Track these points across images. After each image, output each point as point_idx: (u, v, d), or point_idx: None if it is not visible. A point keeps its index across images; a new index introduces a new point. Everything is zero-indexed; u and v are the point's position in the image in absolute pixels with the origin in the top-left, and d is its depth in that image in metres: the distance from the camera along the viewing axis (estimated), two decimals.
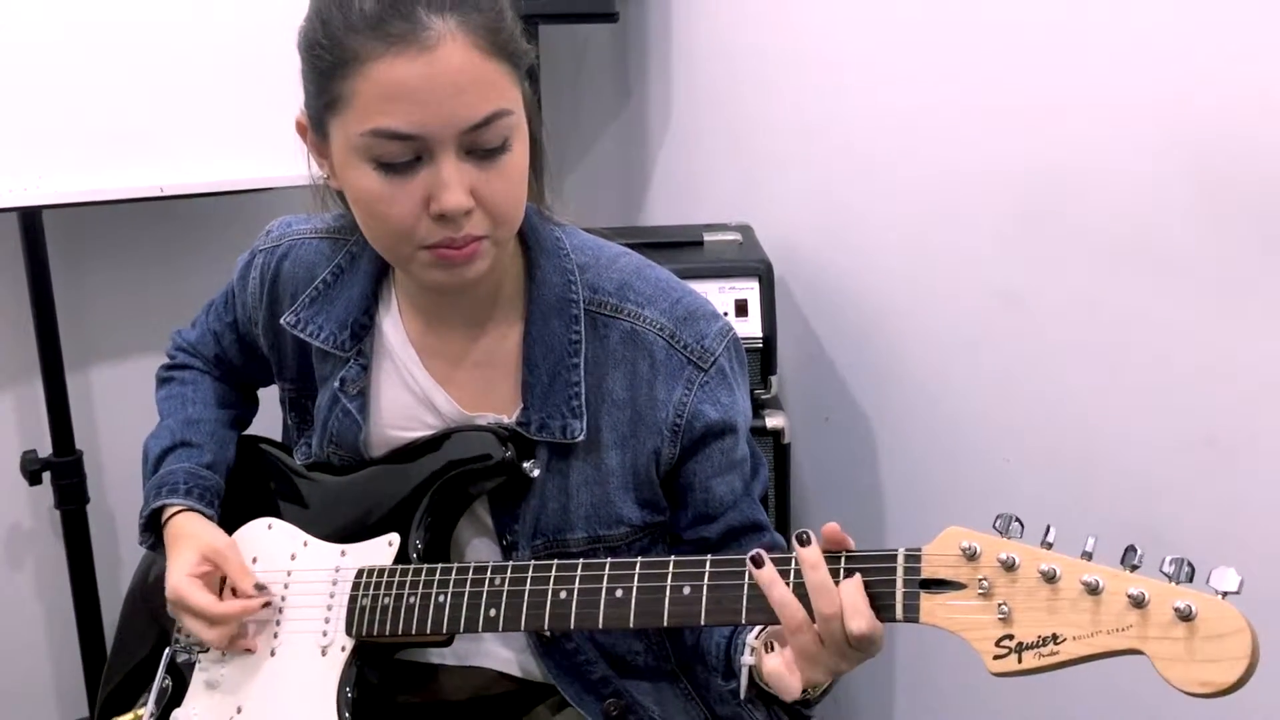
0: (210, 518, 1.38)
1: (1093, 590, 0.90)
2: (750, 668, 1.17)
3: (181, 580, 1.30)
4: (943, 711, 2.00)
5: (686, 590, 1.11)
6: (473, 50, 1.11)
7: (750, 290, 1.89)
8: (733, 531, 1.34)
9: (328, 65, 1.13)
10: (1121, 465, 1.63)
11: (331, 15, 1.13)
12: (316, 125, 1.20)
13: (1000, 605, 0.94)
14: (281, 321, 1.37)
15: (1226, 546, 1.49)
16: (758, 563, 1.08)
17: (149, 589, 1.46)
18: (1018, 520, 0.97)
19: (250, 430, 1.55)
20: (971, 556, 0.97)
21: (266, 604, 1.31)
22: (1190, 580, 0.88)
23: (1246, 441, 1.49)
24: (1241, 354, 1.48)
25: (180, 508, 1.38)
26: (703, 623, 1.11)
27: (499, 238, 1.20)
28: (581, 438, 1.27)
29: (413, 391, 1.34)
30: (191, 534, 1.35)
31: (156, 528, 1.39)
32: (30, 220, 2.03)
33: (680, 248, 2.01)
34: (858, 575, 1.04)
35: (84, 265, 2.22)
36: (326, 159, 1.22)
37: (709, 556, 1.12)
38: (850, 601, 1.03)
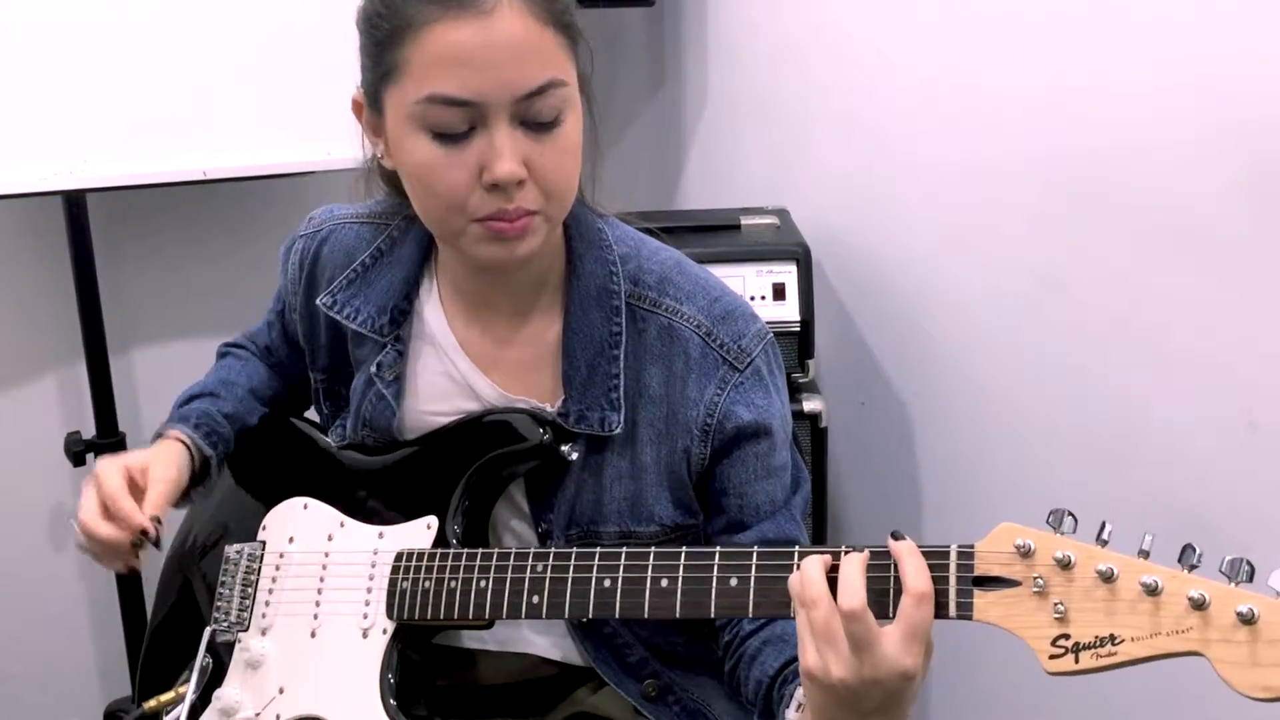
0: (209, 458, 1.40)
1: (1152, 591, 0.89)
2: None
3: (116, 462, 1.32)
4: (979, 711, 2.00)
5: (734, 582, 1.10)
6: (529, 17, 1.12)
7: (788, 274, 1.89)
8: (766, 544, 1.27)
9: (384, 34, 1.15)
10: (1162, 449, 1.62)
11: None
12: (372, 99, 1.21)
13: (1056, 604, 0.93)
14: (318, 302, 1.38)
15: (1269, 530, 1.48)
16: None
17: (183, 564, 1.47)
18: (1071, 515, 0.96)
19: None
20: (1026, 554, 0.96)
21: (147, 533, 1.29)
22: (1250, 580, 0.87)
23: None
24: None
25: (181, 436, 1.40)
26: (751, 614, 1.11)
27: (550, 214, 1.20)
28: (619, 430, 1.27)
29: (453, 379, 1.34)
30: (159, 453, 1.37)
31: None
32: (74, 203, 2.05)
33: (717, 231, 2.01)
34: (858, 555, 1.02)
35: (127, 248, 2.23)
36: (381, 136, 1.23)
37: (755, 549, 1.11)
38: (844, 578, 1.00)
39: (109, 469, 1.32)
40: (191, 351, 2.24)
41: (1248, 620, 0.85)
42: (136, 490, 1.32)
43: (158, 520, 1.30)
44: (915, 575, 0.99)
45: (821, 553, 1.05)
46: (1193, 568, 0.90)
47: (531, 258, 1.22)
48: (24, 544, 2.26)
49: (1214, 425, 1.55)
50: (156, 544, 1.32)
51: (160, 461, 1.36)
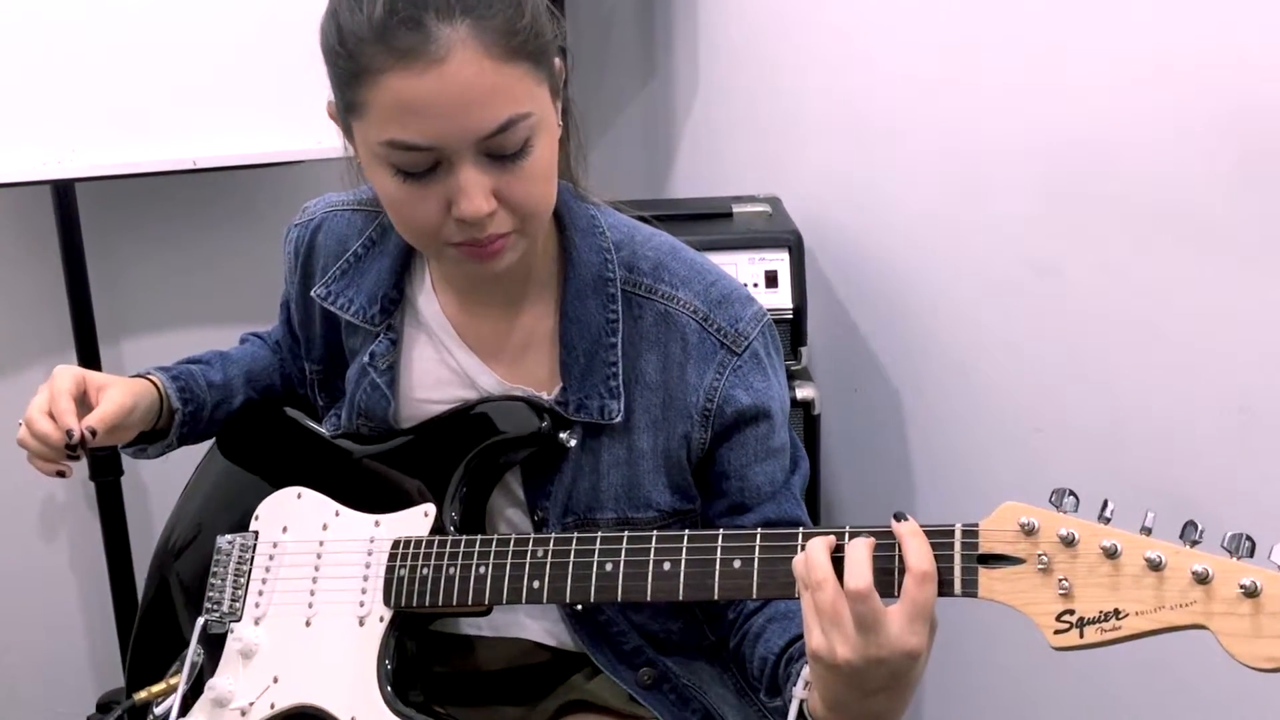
0: (175, 410, 1.40)
1: (1155, 566, 0.90)
2: (802, 701, 1.12)
3: (75, 370, 1.32)
4: (970, 704, 2.01)
5: (737, 564, 1.10)
6: (484, 59, 1.09)
7: (780, 261, 1.90)
8: (769, 525, 1.28)
9: (343, 73, 1.13)
10: (1154, 434, 1.62)
11: (344, 19, 1.11)
12: (342, 121, 1.20)
13: (1061, 580, 0.94)
14: (312, 294, 1.37)
15: (1264, 516, 1.49)
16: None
17: (172, 554, 1.46)
18: (1073, 494, 0.97)
19: None
20: (1030, 532, 0.96)
21: (58, 445, 1.29)
22: (1251, 555, 0.89)
23: None
24: (1277, 322, 1.47)
25: (155, 379, 1.40)
26: (755, 595, 1.11)
27: (528, 230, 1.20)
28: (619, 419, 1.27)
29: (450, 367, 1.33)
30: (128, 380, 1.37)
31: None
32: (64, 193, 2.04)
33: (710, 219, 2.01)
34: (864, 539, 1.02)
35: (117, 238, 2.22)
36: (355, 150, 1.22)
37: (759, 530, 1.11)
38: (851, 559, 1.00)
39: (64, 372, 1.32)
40: (182, 341, 2.21)
41: (1251, 593, 0.86)
42: (88, 404, 1.32)
43: (92, 432, 1.28)
44: (917, 555, 0.99)
45: (825, 533, 1.05)
46: (1194, 543, 0.91)
47: (513, 267, 1.22)
48: (15, 536, 2.25)
49: (1207, 412, 1.55)
50: (82, 449, 1.29)
51: (120, 387, 1.34)
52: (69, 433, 1.27)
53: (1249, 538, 0.89)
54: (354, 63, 1.10)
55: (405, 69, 1.08)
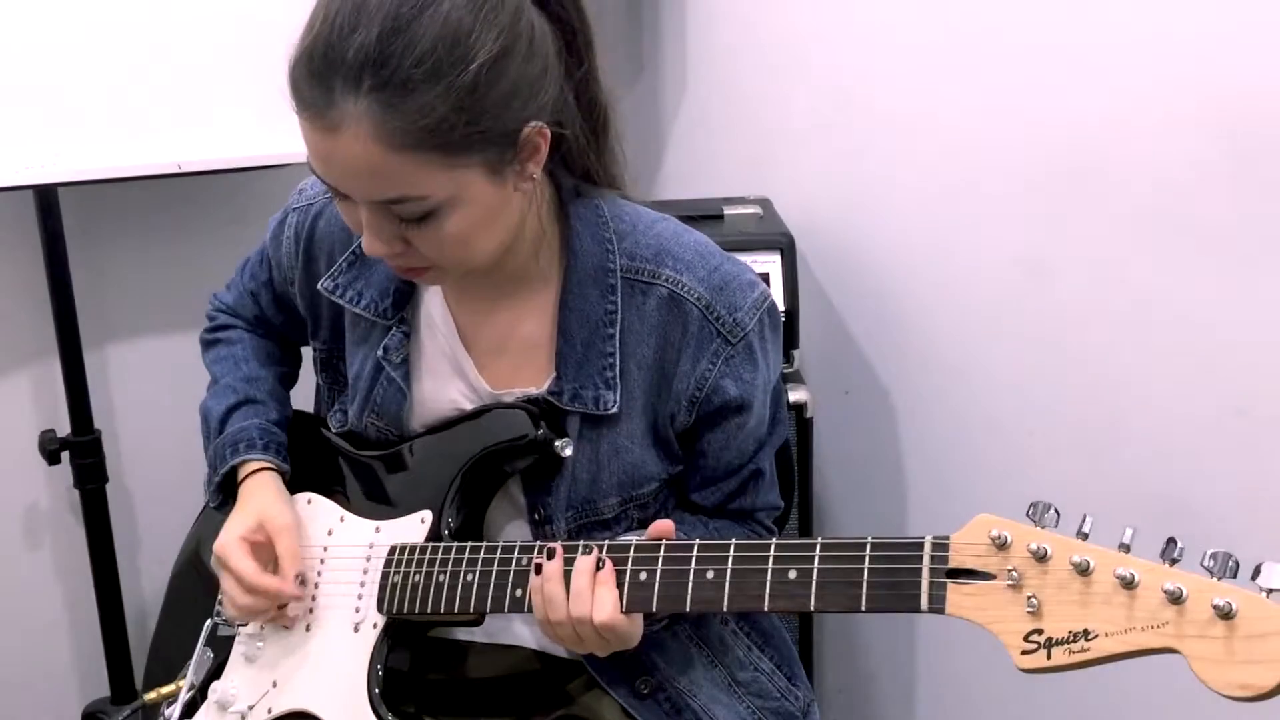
0: (286, 473, 1.40)
1: (1127, 584, 0.87)
2: None
3: (231, 540, 1.31)
4: (965, 707, 1.99)
5: (710, 575, 1.11)
6: (372, 143, 1.08)
7: (772, 263, 1.89)
8: (730, 497, 1.37)
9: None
10: (1150, 436, 1.62)
11: (299, 42, 1.13)
12: None
13: (1030, 598, 0.91)
14: (319, 287, 1.37)
15: (1260, 517, 1.47)
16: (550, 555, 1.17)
17: (197, 560, 1.47)
18: (1054, 509, 0.94)
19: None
20: (1001, 545, 0.94)
21: (299, 598, 1.31)
22: (1234, 576, 0.84)
23: (1278, 411, 1.47)
24: (1274, 322, 1.45)
25: (258, 465, 1.38)
26: (725, 608, 1.11)
27: (451, 268, 1.20)
28: (615, 409, 1.27)
29: (448, 360, 1.34)
30: (261, 498, 1.35)
31: (230, 486, 1.40)
32: (46, 198, 2.02)
33: (700, 221, 1.97)
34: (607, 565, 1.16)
35: (100, 243, 2.20)
36: None
37: (733, 541, 1.12)
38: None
39: (233, 546, 1.31)
40: (167, 347, 2.21)
41: (1225, 614, 0.82)
42: (263, 549, 1.32)
43: (300, 577, 1.31)
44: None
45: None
46: (1174, 561, 0.88)
47: (505, 263, 1.23)
48: None
49: (1203, 413, 1.55)
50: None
51: (271, 510, 1.34)
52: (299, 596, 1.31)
53: (1234, 558, 0.85)
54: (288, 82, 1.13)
55: (307, 120, 1.11)
